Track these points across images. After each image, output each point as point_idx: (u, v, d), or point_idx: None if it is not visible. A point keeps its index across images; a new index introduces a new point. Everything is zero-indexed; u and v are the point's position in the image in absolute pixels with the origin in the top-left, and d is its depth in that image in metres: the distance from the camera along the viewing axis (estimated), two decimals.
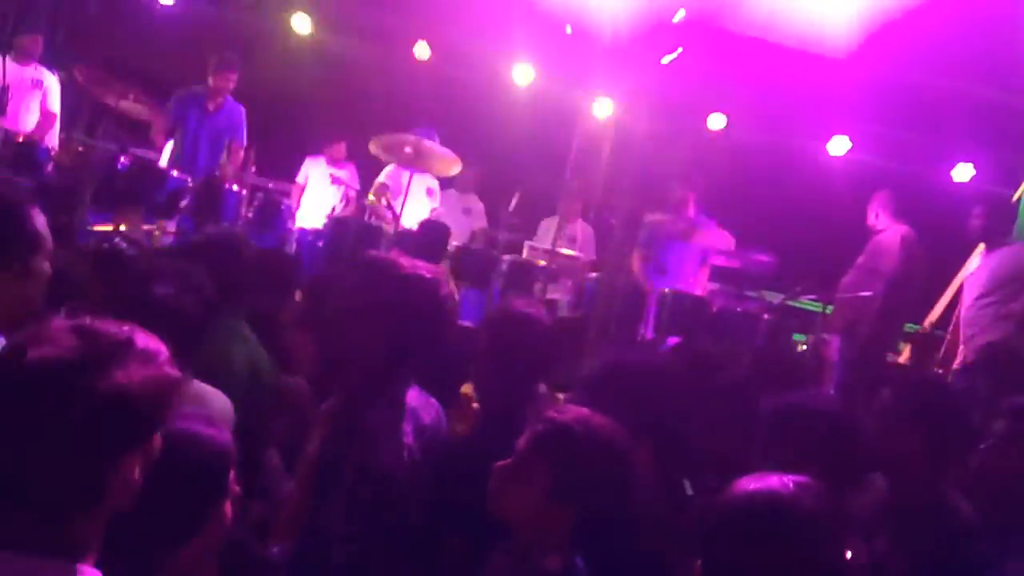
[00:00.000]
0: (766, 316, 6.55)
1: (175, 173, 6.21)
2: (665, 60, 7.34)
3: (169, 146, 6.97)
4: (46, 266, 2.12)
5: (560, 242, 6.91)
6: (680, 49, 7.28)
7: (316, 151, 7.76)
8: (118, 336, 1.36)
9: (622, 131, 7.56)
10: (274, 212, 6.35)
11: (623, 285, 6.45)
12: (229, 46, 7.12)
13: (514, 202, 6.56)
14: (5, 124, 6.31)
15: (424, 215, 7.27)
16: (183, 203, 6.16)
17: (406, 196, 6.61)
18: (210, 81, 6.79)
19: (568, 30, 7.43)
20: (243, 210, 6.20)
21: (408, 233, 6.01)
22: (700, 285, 7.10)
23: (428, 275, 2.45)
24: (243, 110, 7.00)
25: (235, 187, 6.26)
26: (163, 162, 6.87)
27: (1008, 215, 6.07)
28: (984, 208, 5.87)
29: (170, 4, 8.49)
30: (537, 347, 2.74)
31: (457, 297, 5.50)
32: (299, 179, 7.69)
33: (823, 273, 6.62)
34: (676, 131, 8.57)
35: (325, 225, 6.39)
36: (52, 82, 6.92)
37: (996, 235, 5.79)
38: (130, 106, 6.42)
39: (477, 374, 2.85)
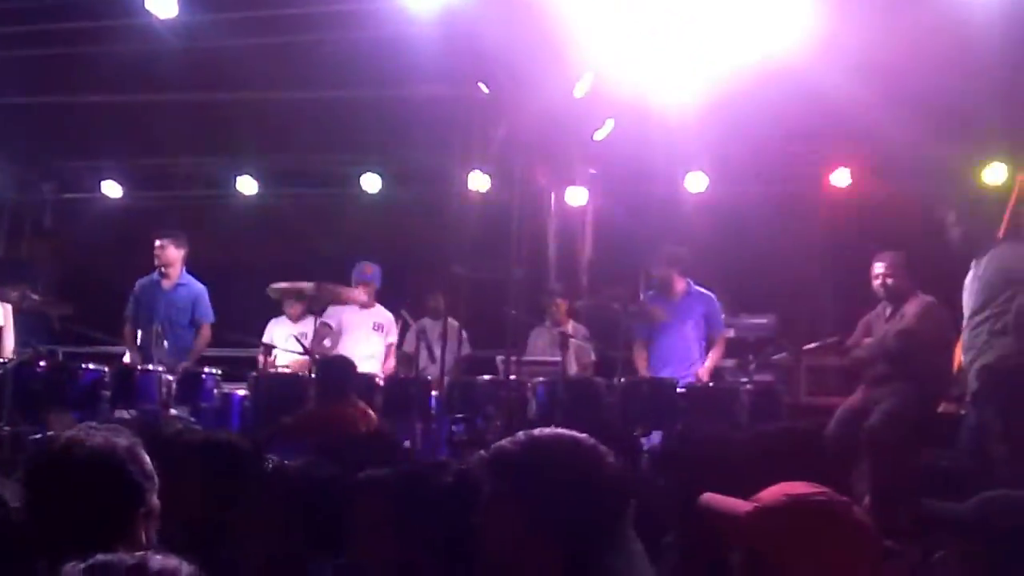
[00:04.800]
0: (749, 387, 5.78)
1: (90, 366, 6.00)
2: None
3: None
4: None
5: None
6: None
7: (278, 312, 7.46)
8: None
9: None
10: (196, 385, 6.03)
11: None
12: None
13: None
14: None
15: (377, 352, 6.87)
16: (105, 392, 5.95)
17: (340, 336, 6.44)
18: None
19: None
20: (161, 389, 5.88)
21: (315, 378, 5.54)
22: (707, 366, 6.28)
23: None
24: (203, 288, 6.82)
25: (153, 367, 5.99)
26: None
27: (986, 213, 5.05)
28: (957, 213, 4.99)
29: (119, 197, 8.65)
30: None
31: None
32: (265, 339, 7.32)
33: None
34: None
35: (248, 384, 6.06)
36: None
37: (979, 240, 4.88)
38: None
39: None
